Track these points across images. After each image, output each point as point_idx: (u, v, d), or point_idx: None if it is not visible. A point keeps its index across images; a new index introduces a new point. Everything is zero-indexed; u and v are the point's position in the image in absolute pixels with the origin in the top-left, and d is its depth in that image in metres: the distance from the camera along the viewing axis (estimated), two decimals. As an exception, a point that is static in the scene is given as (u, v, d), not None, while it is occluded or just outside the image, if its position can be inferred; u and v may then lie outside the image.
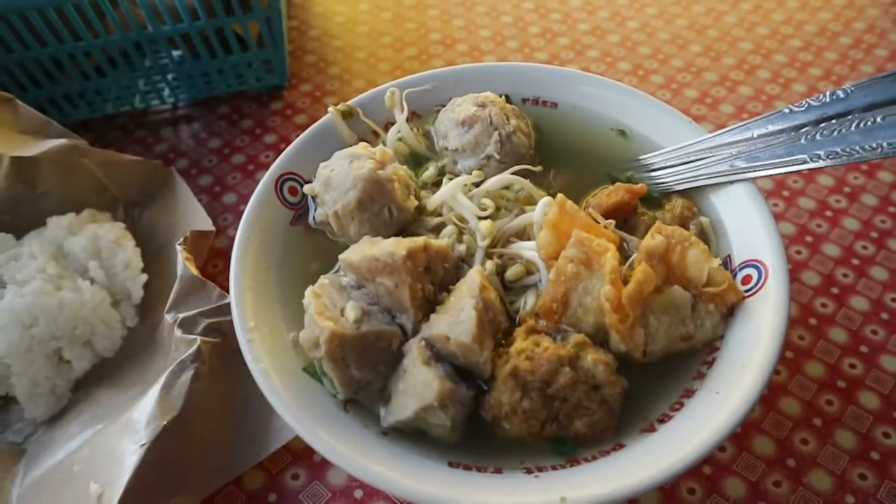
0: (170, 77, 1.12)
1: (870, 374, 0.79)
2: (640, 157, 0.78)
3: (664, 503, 0.70)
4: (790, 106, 0.70)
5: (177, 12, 0.99)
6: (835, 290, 0.86)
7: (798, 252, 0.90)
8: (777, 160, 0.69)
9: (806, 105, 0.70)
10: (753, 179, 0.71)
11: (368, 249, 0.63)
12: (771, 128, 0.71)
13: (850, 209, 0.94)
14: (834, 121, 0.68)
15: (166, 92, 1.15)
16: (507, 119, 0.76)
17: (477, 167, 0.75)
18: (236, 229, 0.94)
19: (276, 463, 0.74)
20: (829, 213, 0.94)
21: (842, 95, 0.68)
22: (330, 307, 0.61)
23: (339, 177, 0.70)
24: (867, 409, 0.76)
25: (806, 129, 0.69)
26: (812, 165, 0.67)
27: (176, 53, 1.10)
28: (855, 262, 0.89)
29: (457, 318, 0.58)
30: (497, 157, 0.74)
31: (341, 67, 1.19)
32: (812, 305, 0.85)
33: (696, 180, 0.74)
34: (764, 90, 1.11)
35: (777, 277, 0.64)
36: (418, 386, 0.57)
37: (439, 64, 1.18)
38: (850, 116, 0.67)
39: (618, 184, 0.74)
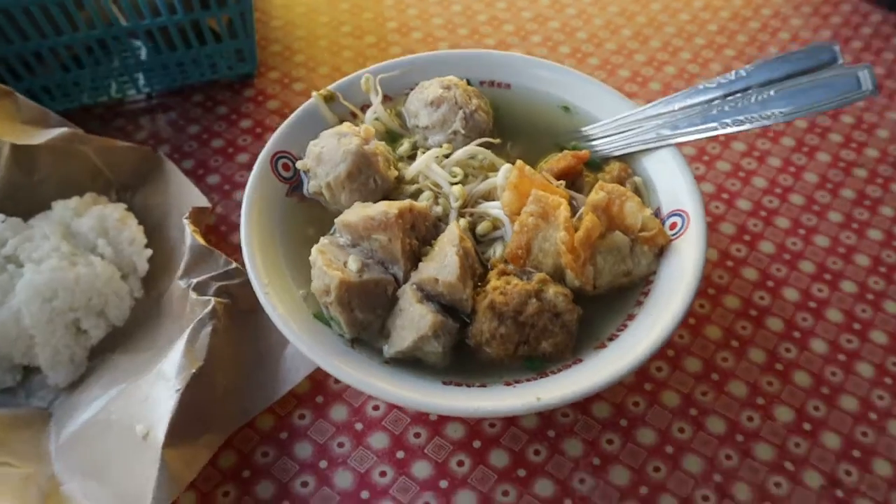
0: (145, 67, 1.19)
1: (775, 304, 0.95)
2: (582, 129, 0.92)
3: (616, 413, 0.85)
4: (704, 83, 0.86)
5: (156, 7, 1.07)
6: (747, 238, 1.03)
7: (717, 207, 1.06)
8: (694, 128, 0.84)
9: (716, 83, 0.85)
10: (677, 144, 0.86)
11: (364, 210, 0.74)
12: (689, 101, 0.87)
13: (758, 170, 1.11)
14: (738, 94, 0.84)
15: (141, 81, 1.22)
16: (470, 99, 0.89)
17: (445, 141, 0.88)
18: (223, 207, 1.06)
19: (285, 406, 0.85)
20: (741, 174, 1.11)
21: (744, 74, 0.84)
22: (334, 261, 0.73)
23: (329, 152, 0.81)
24: (773, 332, 0.93)
25: (716, 102, 0.85)
26: (721, 131, 0.82)
27: (145, 48, 1.17)
28: (763, 213, 1.05)
29: (442, 263, 0.71)
30: (462, 132, 0.87)
31: (306, 55, 1.29)
32: (728, 250, 1.01)
33: (629, 147, 0.88)
34: (686, 69, 1.27)
35: (696, 223, 0.79)
36: (415, 319, 0.70)
37: (397, 51, 1.29)
38: (749, 91, 0.83)
39: (565, 151, 0.88)
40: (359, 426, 0.84)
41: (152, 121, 1.20)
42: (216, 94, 1.22)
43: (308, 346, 0.69)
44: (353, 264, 0.72)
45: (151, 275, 0.95)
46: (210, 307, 0.81)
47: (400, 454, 0.81)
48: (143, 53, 1.20)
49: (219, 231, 1.03)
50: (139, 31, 1.10)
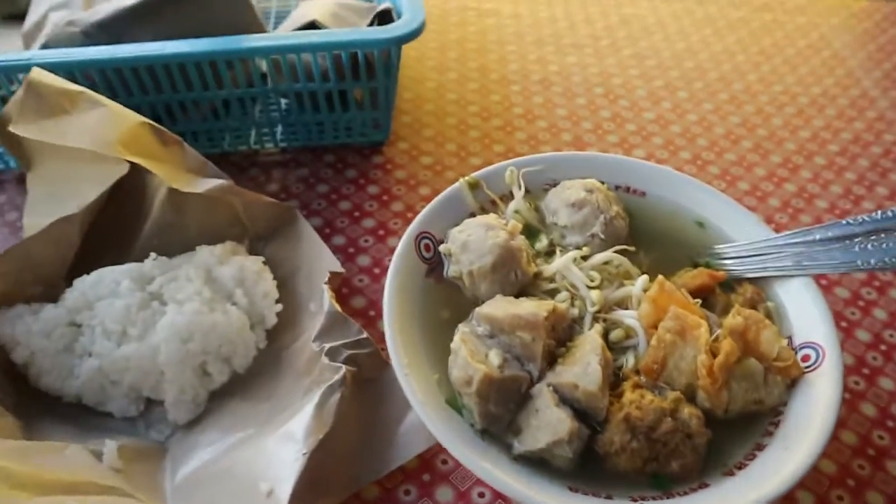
0: (286, 122, 1.26)
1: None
2: (717, 247, 0.93)
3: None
4: (849, 219, 0.86)
5: (311, 73, 1.15)
6: (865, 371, 1.01)
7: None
8: (834, 262, 0.84)
9: (861, 219, 0.85)
10: (814, 276, 0.86)
11: (511, 308, 0.77)
12: (830, 234, 0.87)
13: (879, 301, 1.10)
14: (883, 234, 0.84)
15: (279, 135, 1.29)
16: (611, 205, 0.91)
17: (583, 243, 0.90)
18: (346, 270, 1.10)
19: (391, 480, 0.87)
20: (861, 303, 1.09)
21: (890, 214, 0.84)
22: (476, 353, 0.75)
23: (476, 242, 0.84)
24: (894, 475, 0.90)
25: (858, 238, 0.85)
26: (863, 268, 0.82)
27: (285, 102, 1.25)
28: (883, 347, 1.04)
29: (585, 370, 0.73)
30: (602, 236, 0.89)
31: (434, 130, 1.35)
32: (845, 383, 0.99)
33: (764, 271, 0.89)
34: (805, 188, 1.27)
35: (832, 358, 0.79)
36: (552, 423, 0.71)
37: (522, 136, 1.33)
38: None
39: (700, 268, 0.89)
40: (463, 510, 0.85)
41: (284, 175, 1.26)
42: (347, 157, 1.29)
43: (443, 434, 0.71)
44: (494, 359, 0.74)
45: (276, 328, 1.00)
46: (341, 374, 0.84)
47: (502, 546, 0.81)
48: (285, 108, 1.28)
49: (340, 293, 1.07)
50: (290, 92, 1.17)
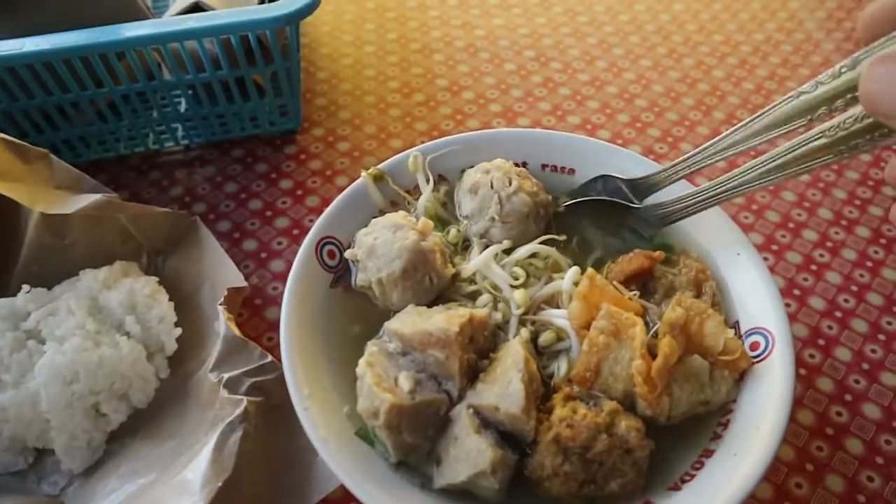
0: (184, 119, 1.14)
1: (854, 422, 0.87)
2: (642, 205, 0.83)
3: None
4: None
5: (201, 62, 1.02)
6: (821, 342, 0.94)
7: (788, 305, 0.98)
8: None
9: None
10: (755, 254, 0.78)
11: (420, 324, 0.67)
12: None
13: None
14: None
15: (180, 133, 1.17)
16: (509, 182, 0.81)
17: (483, 230, 0.81)
18: (258, 278, 0.99)
19: (314, 513, 0.78)
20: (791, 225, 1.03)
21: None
22: (384, 377, 0.66)
23: (383, 246, 0.75)
24: (853, 455, 0.84)
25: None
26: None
27: (193, 97, 1.12)
28: (837, 314, 0.97)
29: (505, 391, 0.64)
30: (497, 218, 0.80)
31: (351, 112, 1.23)
32: (801, 356, 0.93)
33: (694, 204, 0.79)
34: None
35: (782, 345, 0.71)
36: (472, 453, 0.62)
37: (447, 111, 1.23)
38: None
39: (636, 251, 0.80)
40: (395, 544, 0.76)
41: (189, 175, 1.14)
42: (257, 150, 1.17)
43: (348, 475, 0.62)
44: (404, 383, 0.65)
45: (179, 353, 0.89)
46: (241, 408, 0.74)
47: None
48: (183, 105, 1.16)
49: (252, 304, 0.97)
50: (181, 85, 1.05)
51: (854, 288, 1.00)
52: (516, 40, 1.37)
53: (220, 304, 0.82)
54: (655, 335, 0.71)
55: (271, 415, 0.79)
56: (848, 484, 0.82)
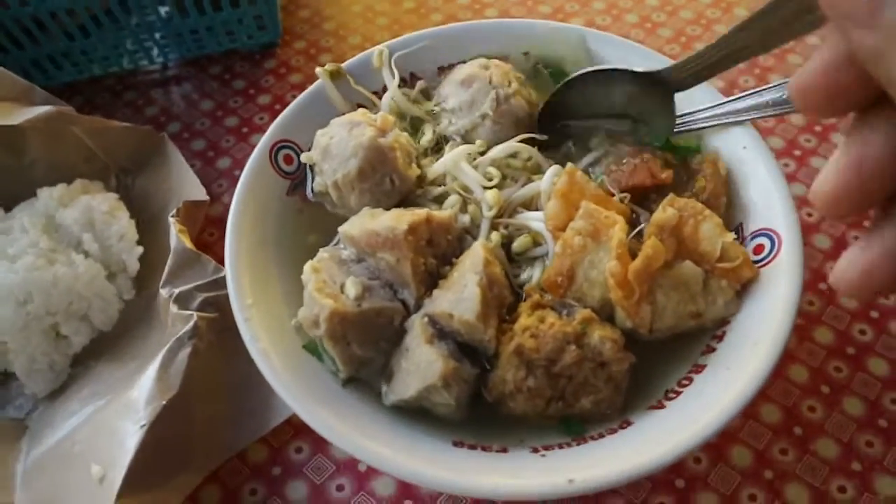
0: (158, 36, 1.07)
1: (880, 341, 0.77)
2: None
3: (671, 470, 0.69)
4: None
5: (161, -33, 0.94)
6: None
7: (809, 214, 0.88)
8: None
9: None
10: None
11: (369, 223, 0.60)
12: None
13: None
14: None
15: (155, 51, 1.10)
16: (510, 82, 0.73)
17: (470, 126, 0.72)
18: (232, 195, 0.92)
19: (279, 437, 0.74)
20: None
21: None
22: (329, 283, 0.59)
23: (338, 145, 0.67)
24: (876, 376, 0.75)
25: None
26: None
27: (163, 10, 1.05)
28: (867, 223, 0.86)
29: (460, 295, 0.57)
30: (491, 114, 0.71)
31: (336, 22, 1.14)
32: (823, 269, 0.83)
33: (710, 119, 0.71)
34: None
35: (790, 247, 0.62)
36: (422, 365, 0.56)
37: (438, 18, 1.13)
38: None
39: (642, 159, 0.69)
40: (362, 466, 0.71)
41: (165, 94, 1.08)
42: (235, 66, 1.10)
43: (288, 391, 0.57)
44: (351, 289, 0.58)
45: (145, 273, 0.85)
46: (191, 324, 0.69)
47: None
48: (158, 19, 1.08)
49: (223, 224, 0.91)
50: (149, -6, 0.97)
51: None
52: (518, -61, 1.25)
53: (172, 216, 0.77)
54: (641, 238, 0.62)
55: (230, 335, 0.73)
56: (869, 409, 0.73)
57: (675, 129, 0.72)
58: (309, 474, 0.72)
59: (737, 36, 0.57)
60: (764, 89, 0.69)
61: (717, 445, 0.71)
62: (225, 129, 1.02)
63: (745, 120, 0.69)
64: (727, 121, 0.70)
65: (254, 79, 1.08)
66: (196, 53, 1.10)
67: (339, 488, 0.70)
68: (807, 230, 0.86)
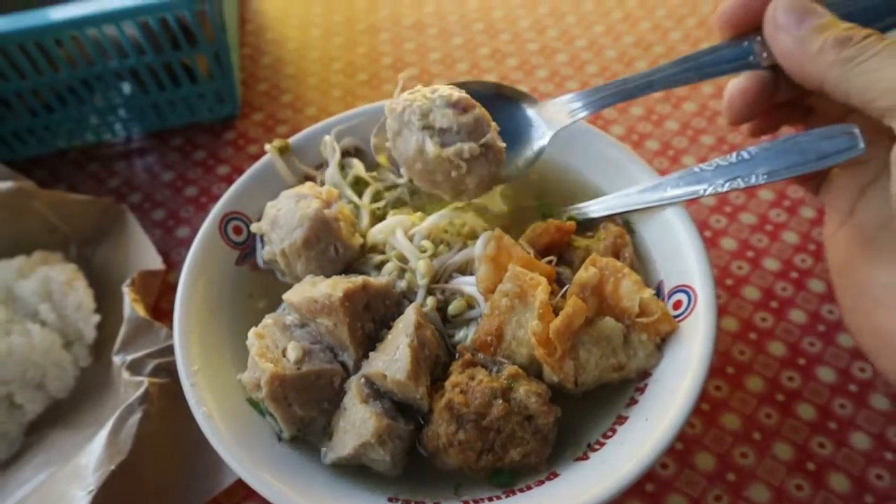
0: (121, 112, 1.12)
1: (806, 387, 0.81)
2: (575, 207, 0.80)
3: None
4: (702, 166, 0.72)
5: (122, 48, 1.00)
6: (774, 304, 0.89)
7: (739, 268, 0.93)
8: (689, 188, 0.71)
9: (715, 164, 0.71)
10: (684, 203, 0.73)
11: (308, 291, 0.64)
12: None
13: (789, 223, 0.97)
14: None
15: (118, 126, 1.14)
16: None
17: (476, 151, 0.66)
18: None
19: (231, 496, 0.75)
20: (769, 228, 0.97)
21: (746, 157, 0.69)
22: (272, 348, 0.63)
23: (285, 216, 0.71)
24: (804, 421, 0.79)
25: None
26: (711, 191, 0.69)
27: (126, 86, 1.10)
28: (794, 275, 0.92)
29: (393, 356, 0.60)
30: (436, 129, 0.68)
31: (293, 95, 1.20)
32: (753, 320, 0.88)
33: (623, 206, 0.76)
34: (707, 106, 1.14)
35: (705, 302, 0.67)
36: (357, 423, 0.59)
37: (389, 89, 1.19)
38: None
39: (549, 220, 0.75)
40: (313, 526, 0.73)
41: (128, 166, 1.12)
42: (196, 138, 1.15)
43: (231, 454, 0.59)
44: (291, 353, 0.62)
45: (103, 341, 0.87)
46: (142, 390, 0.71)
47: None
48: (119, 97, 1.13)
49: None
50: (107, 74, 1.02)
51: (811, 247, 0.94)
52: (465, 14, 1.33)
53: (126, 286, 0.80)
54: (565, 297, 0.66)
55: (182, 397, 0.76)
56: (798, 453, 0.77)
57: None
58: (260, 534, 0.73)
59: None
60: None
61: (654, 494, 0.74)
62: (184, 198, 1.06)
63: (673, 203, 0.73)
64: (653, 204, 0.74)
65: (213, 150, 1.12)
66: (158, 127, 1.15)
67: (289, 548, 0.72)
68: (737, 283, 0.92)
